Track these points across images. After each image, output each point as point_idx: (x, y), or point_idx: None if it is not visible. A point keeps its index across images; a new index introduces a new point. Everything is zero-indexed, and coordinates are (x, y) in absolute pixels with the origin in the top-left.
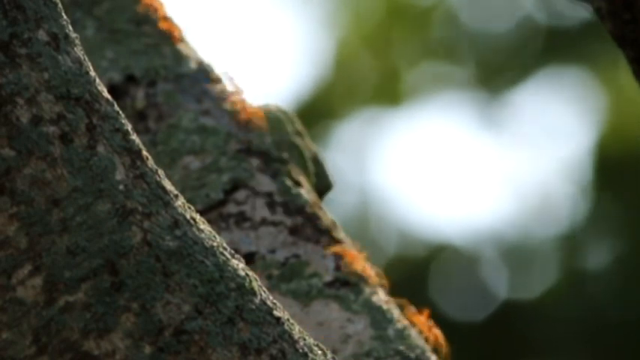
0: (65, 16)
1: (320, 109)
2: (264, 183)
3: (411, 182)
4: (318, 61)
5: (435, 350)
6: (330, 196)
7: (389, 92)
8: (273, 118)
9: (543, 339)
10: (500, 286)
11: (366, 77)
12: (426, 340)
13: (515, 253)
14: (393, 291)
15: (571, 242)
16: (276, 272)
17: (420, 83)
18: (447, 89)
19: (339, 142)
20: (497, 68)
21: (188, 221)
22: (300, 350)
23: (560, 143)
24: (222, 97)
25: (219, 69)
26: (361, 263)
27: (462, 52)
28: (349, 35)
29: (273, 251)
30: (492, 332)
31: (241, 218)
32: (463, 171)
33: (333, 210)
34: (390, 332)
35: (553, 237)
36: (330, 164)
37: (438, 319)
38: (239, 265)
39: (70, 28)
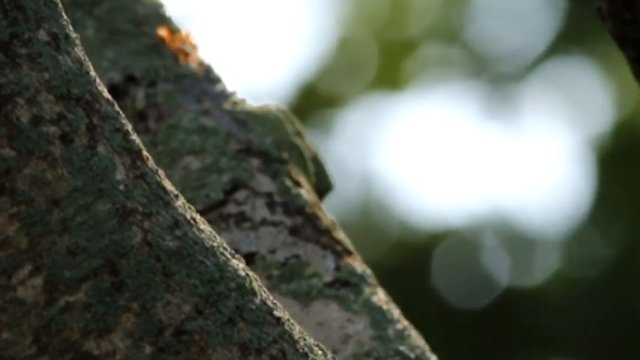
0: (65, 16)
1: (322, 96)
2: (264, 183)
3: (413, 169)
4: (320, 48)
5: None
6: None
7: (391, 78)
8: (273, 118)
9: (544, 326)
10: (502, 273)
11: (368, 63)
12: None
13: (517, 240)
14: (395, 278)
15: (573, 230)
16: (276, 272)
17: (423, 69)
18: (450, 75)
19: (341, 129)
20: (501, 55)
21: (188, 221)
22: (301, 350)
23: (564, 131)
24: (222, 97)
25: (219, 69)
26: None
27: (466, 38)
28: (351, 21)
29: (273, 251)
30: (494, 319)
31: (241, 218)
32: (465, 157)
33: (335, 197)
34: (390, 332)
35: (555, 224)
36: (332, 151)
37: (440, 305)
38: (239, 265)
39: (71, 28)
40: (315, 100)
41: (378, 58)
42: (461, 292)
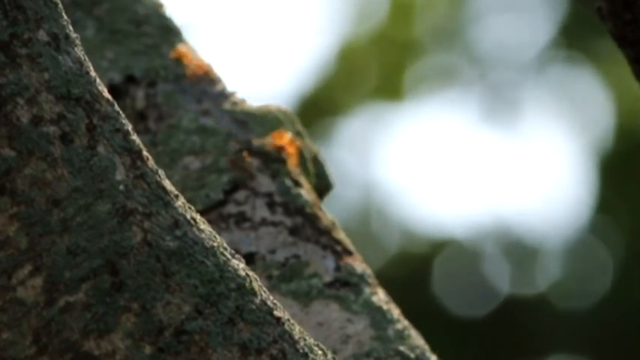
0: (65, 17)
1: (323, 105)
2: (264, 183)
3: (414, 178)
4: (321, 57)
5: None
6: (333, 191)
7: (391, 87)
8: (273, 119)
9: (546, 334)
10: (503, 281)
11: (369, 72)
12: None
13: (518, 248)
14: (396, 286)
15: (574, 237)
16: (276, 272)
17: (423, 77)
18: (451, 84)
19: (342, 138)
20: (501, 60)
21: (188, 221)
22: (301, 350)
23: (564, 137)
24: (222, 97)
25: (219, 69)
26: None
27: (466, 45)
28: (352, 30)
29: (273, 251)
30: (495, 328)
31: (241, 218)
32: (466, 166)
33: (336, 206)
34: (390, 332)
35: (556, 232)
36: (333, 160)
37: (441, 314)
38: (239, 265)
39: (71, 28)
40: (316, 109)
41: (378, 67)
42: (462, 300)
